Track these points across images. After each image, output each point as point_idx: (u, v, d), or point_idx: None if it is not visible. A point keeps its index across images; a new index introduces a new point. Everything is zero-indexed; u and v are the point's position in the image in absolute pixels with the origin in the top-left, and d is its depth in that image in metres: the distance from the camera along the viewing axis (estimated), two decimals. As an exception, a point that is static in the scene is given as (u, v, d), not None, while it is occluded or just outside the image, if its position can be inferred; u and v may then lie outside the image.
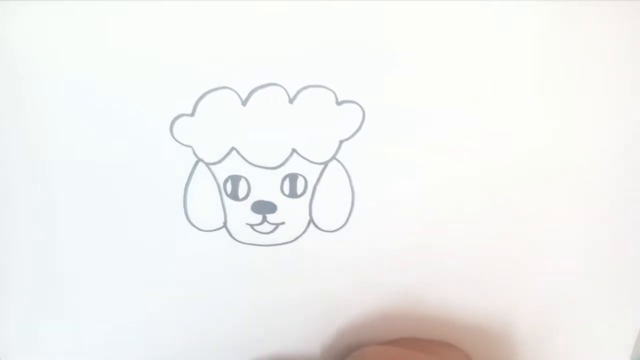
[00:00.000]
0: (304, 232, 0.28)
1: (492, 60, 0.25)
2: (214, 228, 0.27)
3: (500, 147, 0.27)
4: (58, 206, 0.26)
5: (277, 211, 0.27)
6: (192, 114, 0.25)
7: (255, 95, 0.25)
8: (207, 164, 0.26)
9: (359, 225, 0.28)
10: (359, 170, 0.27)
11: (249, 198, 0.27)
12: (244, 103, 0.25)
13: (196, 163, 0.26)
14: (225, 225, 0.27)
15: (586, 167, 0.27)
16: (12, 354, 0.29)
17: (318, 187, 0.27)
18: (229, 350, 0.30)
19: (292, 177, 0.27)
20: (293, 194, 0.27)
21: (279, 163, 0.26)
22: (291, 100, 0.25)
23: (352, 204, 0.27)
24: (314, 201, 0.27)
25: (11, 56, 0.24)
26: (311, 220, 0.28)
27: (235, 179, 0.26)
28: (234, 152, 0.26)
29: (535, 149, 0.27)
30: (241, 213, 0.27)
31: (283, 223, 0.28)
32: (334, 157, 0.26)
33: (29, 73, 0.24)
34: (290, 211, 0.27)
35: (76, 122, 0.25)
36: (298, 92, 0.25)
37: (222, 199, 0.27)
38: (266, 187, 0.27)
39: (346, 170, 0.27)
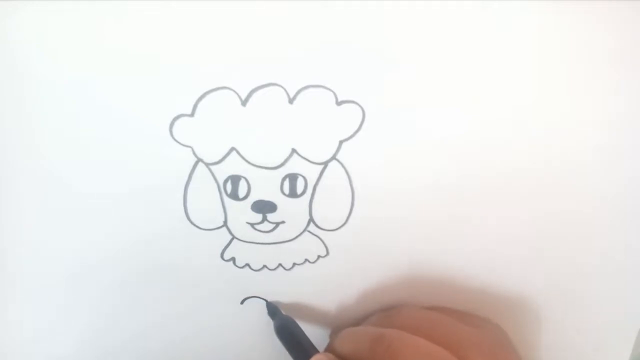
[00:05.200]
0: (304, 230, 0.28)
1: (492, 61, 0.25)
2: (215, 227, 0.27)
3: (500, 147, 0.27)
4: (58, 205, 0.26)
5: (277, 210, 0.27)
6: (192, 114, 0.25)
7: (255, 95, 0.25)
8: (207, 164, 0.26)
9: (359, 225, 0.28)
10: (359, 170, 0.27)
11: (249, 198, 0.27)
12: (243, 103, 0.25)
13: (196, 163, 0.26)
14: (225, 224, 0.27)
15: (586, 166, 0.27)
16: None
17: (318, 187, 0.27)
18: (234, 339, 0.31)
19: (292, 177, 0.27)
20: (293, 194, 0.27)
21: (278, 163, 0.26)
22: (291, 101, 0.25)
23: (352, 203, 0.27)
24: (314, 201, 0.27)
25: (11, 56, 0.24)
26: (311, 220, 0.28)
27: (235, 179, 0.26)
28: (233, 152, 0.26)
29: (535, 148, 0.27)
30: (241, 212, 0.27)
31: (283, 222, 0.28)
32: (334, 157, 0.26)
33: (29, 73, 0.24)
34: (290, 210, 0.27)
35: (76, 122, 0.25)
36: (298, 92, 0.25)
37: (222, 199, 0.27)
38: (266, 187, 0.27)
39: (346, 171, 0.27)
